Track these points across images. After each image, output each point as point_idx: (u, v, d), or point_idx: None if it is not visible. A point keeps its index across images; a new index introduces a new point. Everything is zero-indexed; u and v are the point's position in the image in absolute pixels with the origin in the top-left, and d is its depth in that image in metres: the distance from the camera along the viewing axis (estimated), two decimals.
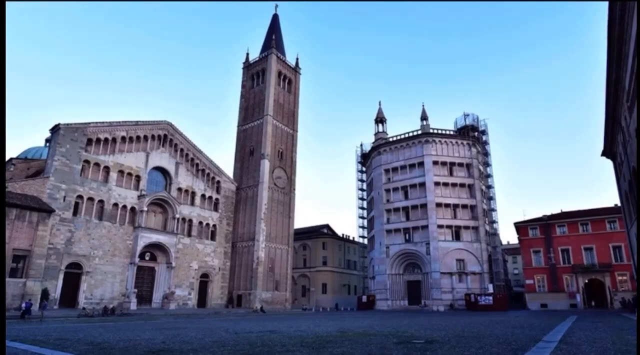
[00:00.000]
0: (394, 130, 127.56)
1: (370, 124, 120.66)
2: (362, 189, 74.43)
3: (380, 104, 73.79)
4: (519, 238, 62.11)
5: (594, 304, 53.44)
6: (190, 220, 56.01)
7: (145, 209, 49.64)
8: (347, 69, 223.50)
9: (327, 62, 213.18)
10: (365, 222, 72.13)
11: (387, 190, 65.69)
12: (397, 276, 62.23)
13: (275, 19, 77.77)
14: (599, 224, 54.58)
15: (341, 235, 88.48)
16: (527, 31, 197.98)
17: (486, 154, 66.06)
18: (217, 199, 60.49)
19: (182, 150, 56.87)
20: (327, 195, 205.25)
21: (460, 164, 63.40)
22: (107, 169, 47.68)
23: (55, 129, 44.38)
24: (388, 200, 65.19)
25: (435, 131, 64.83)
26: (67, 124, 44.47)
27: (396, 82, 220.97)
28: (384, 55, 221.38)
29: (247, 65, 72.75)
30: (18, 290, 33.85)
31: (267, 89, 66.69)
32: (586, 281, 54.77)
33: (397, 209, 64.14)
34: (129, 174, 49.84)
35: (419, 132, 65.25)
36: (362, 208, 73.04)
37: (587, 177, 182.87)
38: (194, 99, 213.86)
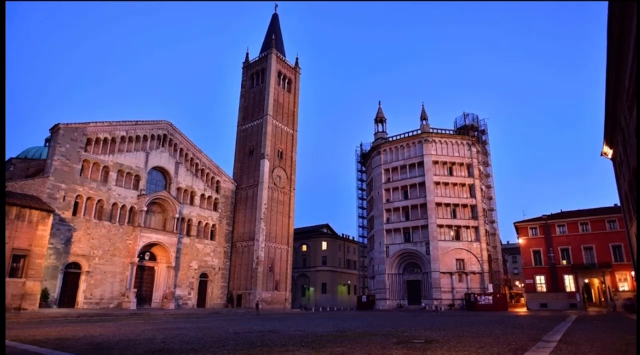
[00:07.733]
0: (394, 130, 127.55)
1: (370, 124, 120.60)
2: (362, 189, 74.46)
3: (380, 104, 73.86)
4: (519, 238, 62.07)
5: (594, 304, 53.37)
6: (190, 220, 56.02)
7: (145, 208, 49.62)
8: (347, 69, 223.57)
9: (327, 62, 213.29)
10: (365, 222, 72.14)
11: (387, 190, 65.72)
12: (397, 276, 62.25)
13: (275, 19, 77.74)
14: (598, 224, 54.51)
15: (341, 235, 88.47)
16: (528, 30, 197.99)
17: (486, 153, 66.13)
18: (217, 199, 60.50)
19: (182, 150, 56.87)
20: (327, 195, 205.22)
21: (461, 164, 63.44)
22: (107, 169, 47.64)
23: (55, 129, 44.31)
24: (388, 200, 65.20)
25: (435, 131, 64.84)
26: (67, 124, 44.41)
27: (396, 82, 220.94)
28: (384, 56, 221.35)
29: (247, 65, 72.70)
30: (18, 290, 33.82)
31: (267, 89, 66.66)
32: (586, 281, 54.69)
33: (397, 209, 64.16)
34: (129, 174, 49.81)
35: (419, 131, 65.28)
36: (362, 208, 73.05)
37: (587, 177, 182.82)
38: (194, 99, 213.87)
